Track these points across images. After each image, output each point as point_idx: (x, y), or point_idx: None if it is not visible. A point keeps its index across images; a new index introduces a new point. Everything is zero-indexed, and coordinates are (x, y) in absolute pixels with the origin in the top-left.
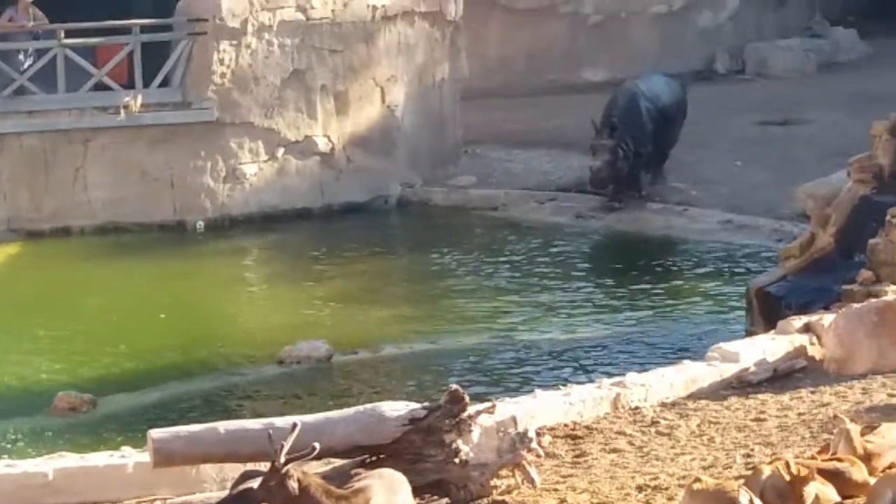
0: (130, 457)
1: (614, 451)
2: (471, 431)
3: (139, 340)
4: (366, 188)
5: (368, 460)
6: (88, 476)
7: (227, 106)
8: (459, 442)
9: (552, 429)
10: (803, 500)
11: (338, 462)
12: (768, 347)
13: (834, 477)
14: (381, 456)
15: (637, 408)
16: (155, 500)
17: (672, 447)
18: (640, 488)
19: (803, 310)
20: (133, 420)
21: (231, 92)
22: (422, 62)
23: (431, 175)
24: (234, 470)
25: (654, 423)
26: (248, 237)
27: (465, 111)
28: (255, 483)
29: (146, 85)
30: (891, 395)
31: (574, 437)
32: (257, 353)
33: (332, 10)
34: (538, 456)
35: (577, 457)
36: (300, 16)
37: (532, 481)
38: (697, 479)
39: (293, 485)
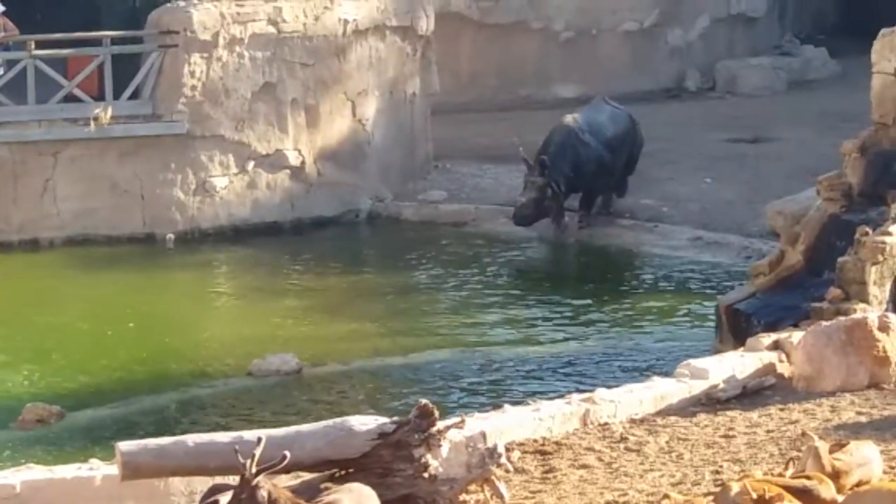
0: (99, 469)
1: (583, 466)
2: (440, 446)
3: (108, 353)
4: (336, 202)
5: (338, 474)
6: (56, 488)
7: (197, 119)
8: (429, 457)
9: (521, 444)
10: None
11: (307, 476)
12: (737, 364)
13: (802, 495)
14: (350, 470)
15: (606, 424)
16: None
17: (641, 463)
18: None
19: (772, 327)
20: (101, 432)
21: (202, 105)
22: (393, 76)
23: (402, 189)
24: (202, 483)
25: (623, 439)
26: (219, 250)
27: (436, 126)
28: (223, 497)
29: (116, 97)
30: (859, 413)
31: (543, 453)
32: (227, 366)
33: (304, 24)
34: (507, 471)
35: (546, 472)
36: (271, 29)
37: (501, 497)
38: (666, 496)
39: (263, 494)
